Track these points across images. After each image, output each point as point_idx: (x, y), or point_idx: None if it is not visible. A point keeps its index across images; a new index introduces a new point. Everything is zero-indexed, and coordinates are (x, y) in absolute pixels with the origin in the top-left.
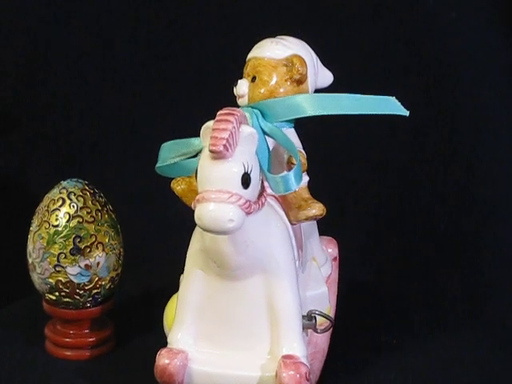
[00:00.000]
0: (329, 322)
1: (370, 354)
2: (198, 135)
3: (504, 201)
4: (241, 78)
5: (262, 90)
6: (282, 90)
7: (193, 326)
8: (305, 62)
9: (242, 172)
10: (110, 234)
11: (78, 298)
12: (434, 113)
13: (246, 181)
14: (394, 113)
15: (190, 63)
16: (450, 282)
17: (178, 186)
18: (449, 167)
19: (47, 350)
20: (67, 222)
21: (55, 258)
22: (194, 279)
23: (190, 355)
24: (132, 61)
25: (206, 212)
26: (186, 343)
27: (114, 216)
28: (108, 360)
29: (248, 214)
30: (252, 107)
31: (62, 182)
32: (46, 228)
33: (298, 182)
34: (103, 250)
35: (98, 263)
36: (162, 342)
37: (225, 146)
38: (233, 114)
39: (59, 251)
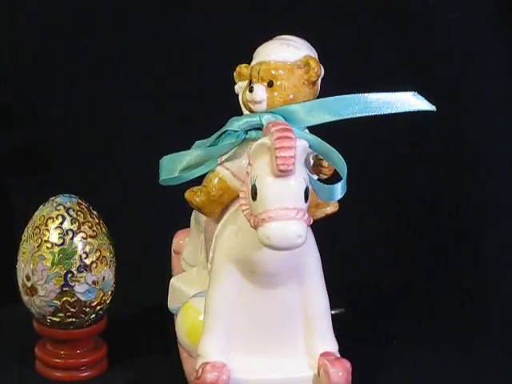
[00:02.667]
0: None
1: (370, 354)
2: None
3: (504, 201)
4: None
5: (283, 95)
6: (300, 93)
7: (225, 334)
8: (319, 62)
9: (305, 187)
10: (109, 246)
11: (82, 316)
12: (435, 113)
13: (306, 195)
14: (420, 109)
15: (189, 72)
16: (450, 282)
17: (196, 198)
18: (449, 167)
19: (37, 370)
20: (71, 239)
21: (62, 278)
22: (225, 288)
23: (229, 365)
24: (125, 66)
25: (276, 231)
26: (221, 354)
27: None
28: (101, 382)
29: (308, 225)
30: (272, 113)
31: (53, 198)
32: (48, 248)
33: (343, 193)
34: (106, 263)
35: (104, 278)
36: (158, 362)
37: (293, 164)
38: (290, 130)
39: (66, 270)
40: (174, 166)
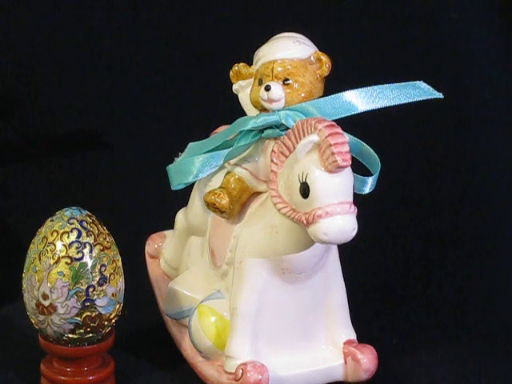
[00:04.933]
0: None
1: None
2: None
3: (504, 201)
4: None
5: (300, 92)
6: (315, 89)
7: (255, 334)
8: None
9: (353, 180)
10: (119, 256)
11: (100, 330)
12: (435, 113)
13: (353, 188)
14: (428, 97)
15: (188, 73)
16: (450, 282)
17: (220, 200)
18: (449, 167)
19: None
20: (90, 252)
21: (84, 293)
22: (254, 287)
23: (266, 364)
24: (124, 67)
25: (334, 226)
26: (253, 353)
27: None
28: None
29: None
30: (291, 110)
31: (60, 212)
32: (67, 263)
33: (372, 188)
34: (120, 274)
35: (120, 289)
36: (168, 376)
37: (349, 158)
38: (337, 126)
39: (87, 285)
40: (187, 170)
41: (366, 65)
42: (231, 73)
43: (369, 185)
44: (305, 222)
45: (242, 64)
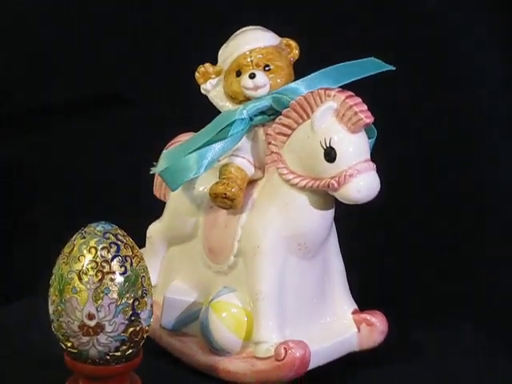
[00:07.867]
0: None
1: (369, 353)
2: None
3: (504, 201)
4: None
5: (281, 75)
6: (291, 73)
7: (280, 314)
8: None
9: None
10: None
11: (140, 344)
12: (434, 113)
13: None
14: (381, 70)
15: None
16: (449, 282)
17: (232, 188)
18: (449, 167)
19: None
20: (131, 265)
21: (130, 308)
22: (276, 269)
23: None
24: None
25: (364, 183)
26: (283, 333)
27: None
28: None
29: None
30: (277, 93)
31: (91, 228)
32: (111, 280)
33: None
34: (151, 285)
35: (154, 300)
36: None
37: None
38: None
39: (133, 298)
40: (187, 167)
41: None
42: (197, 74)
43: None
44: (335, 185)
45: (207, 64)
